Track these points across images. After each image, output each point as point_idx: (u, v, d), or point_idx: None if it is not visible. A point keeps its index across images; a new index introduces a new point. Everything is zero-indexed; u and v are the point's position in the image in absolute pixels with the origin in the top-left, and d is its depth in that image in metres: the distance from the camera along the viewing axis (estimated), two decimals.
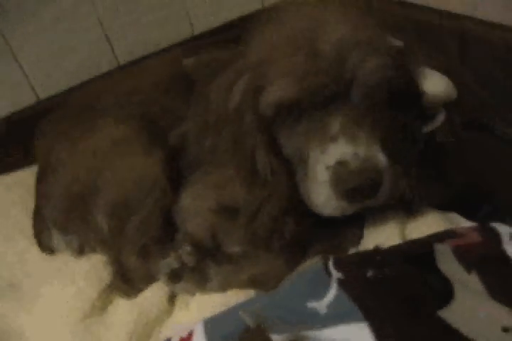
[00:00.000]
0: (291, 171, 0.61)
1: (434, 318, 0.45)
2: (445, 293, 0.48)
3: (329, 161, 0.55)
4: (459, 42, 0.97)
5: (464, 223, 0.65)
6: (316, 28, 0.57)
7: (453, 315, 0.46)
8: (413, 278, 0.48)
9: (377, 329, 0.45)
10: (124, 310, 0.67)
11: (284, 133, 0.60)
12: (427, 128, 0.97)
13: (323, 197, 0.57)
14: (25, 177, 0.93)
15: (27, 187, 0.89)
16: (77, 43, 1.01)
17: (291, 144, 0.60)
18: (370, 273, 0.47)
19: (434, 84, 1.00)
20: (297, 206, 0.60)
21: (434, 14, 0.99)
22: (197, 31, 1.15)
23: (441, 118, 1.00)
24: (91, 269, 0.74)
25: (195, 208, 0.69)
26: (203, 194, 0.69)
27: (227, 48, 0.78)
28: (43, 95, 1.02)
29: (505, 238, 0.58)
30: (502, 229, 0.59)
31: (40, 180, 0.84)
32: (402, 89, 0.60)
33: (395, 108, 0.60)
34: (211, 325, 0.52)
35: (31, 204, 0.85)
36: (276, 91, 0.56)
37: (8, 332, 0.70)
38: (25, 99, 1.00)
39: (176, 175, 0.73)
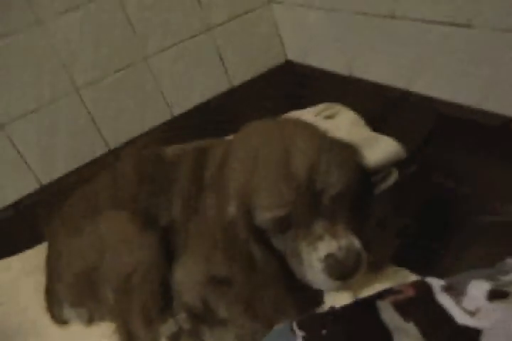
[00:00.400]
0: (282, 260, 0.77)
1: None
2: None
3: (320, 255, 0.71)
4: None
5: (411, 278, 0.80)
6: (287, 154, 0.72)
7: None
8: (357, 331, 0.62)
9: None
10: None
11: (276, 238, 0.75)
12: (380, 189, 1.14)
13: (321, 280, 0.73)
14: (33, 255, 1.08)
15: (36, 263, 1.03)
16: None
17: (283, 243, 0.75)
18: (324, 332, 0.61)
19: (385, 147, 1.18)
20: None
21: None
22: (176, 113, 1.31)
23: (394, 177, 1.18)
24: (101, 336, 0.87)
25: (187, 281, 0.83)
26: (193, 269, 0.83)
27: (202, 140, 0.95)
28: (44, 181, 1.17)
29: (437, 290, 0.73)
30: (434, 282, 0.73)
31: (49, 260, 0.97)
32: (361, 184, 0.76)
33: (356, 199, 0.76)
34: None
35: (41, 279, 0.98)
36: (267, 213, 0.72)
37: None
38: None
39: (169, 251, 0.87)
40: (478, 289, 0.71)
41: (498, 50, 0.89)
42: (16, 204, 1.14)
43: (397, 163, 1.15)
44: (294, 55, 1.40)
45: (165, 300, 0.86)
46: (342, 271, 0.71)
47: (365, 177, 0.81)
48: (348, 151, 0.78)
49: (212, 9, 1.26)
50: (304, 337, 0.62)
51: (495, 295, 0.69)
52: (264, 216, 0.72)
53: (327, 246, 0.71)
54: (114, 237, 0.88)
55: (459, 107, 1.03)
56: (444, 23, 0.96)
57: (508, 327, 0.63)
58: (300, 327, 0.63)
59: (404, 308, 0.68)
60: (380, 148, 1.15)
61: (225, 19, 1.29)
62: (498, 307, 0.67)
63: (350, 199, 0.75)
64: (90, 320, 0.92)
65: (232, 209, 0.74)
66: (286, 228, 0.73)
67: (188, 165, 0.92)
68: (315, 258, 0.72)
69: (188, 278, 0.84)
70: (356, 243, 0.73)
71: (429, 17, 0.98)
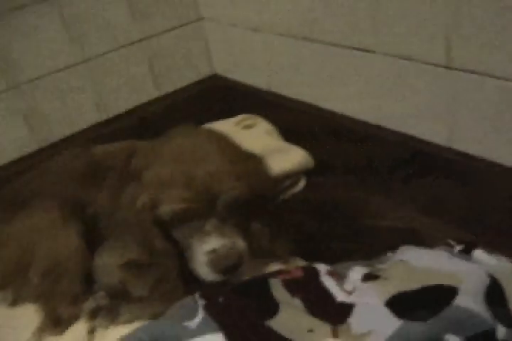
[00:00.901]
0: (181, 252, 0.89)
1: (263, 326, 0.72)
2: (273, 311, 0.75)
3: (205, 249, 0.84)
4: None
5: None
6: (196, 160, 0.85)
7: (276, 323, 0.73)
8: (249, 300, 0.75)
9: (228, 337, 0.71)
10: None
11: (175, 230, 0.88)
12: (288, 194, 1.28)
13: (204, 272, 0.86)
14: None
15: None
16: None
17: (180, 236, 0.88)
18: (220, 300, 0.74)
19: (295, 157, 1.32)
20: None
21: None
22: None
23: (302, 184, 1.32)
24: (24, 314, 0.96)
25: (107, 265, 0.94)
26: (112, 253, 0.94)
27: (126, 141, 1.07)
28: None
29: (322, 273, 0.86)
30: (321, 267, 0.87)
31: None
32: (261, 192, 0.89)
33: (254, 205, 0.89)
34: None
35: None
36: (168, 206, 0.84)
37: None
38: None
39: (96, 238, 0.97)
40: (356, 273, 0.86)
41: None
42: None
43: (306, 171, 1.30)
44: (221, 69, 1.53)
45: (87, 282, 0.96)
46: (222, 266, 0.84)
47: (267, 185, 0.93)
48: (252, 162, 0.92)
49: (148, 22, 1.37)
50: (204, 305, 0.74)
51: (368, 277, 0.84)
52: (165, 208, 0.84)
53: (212, 242, 0.84)
54: (41, 225, 0.96)
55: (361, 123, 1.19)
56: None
57: (372, 301, 0.77)
58: (201, 296, 0.75)
59: (292, 286, 0.81)
60: (289, 157, 1.29)
61: (159, 31, 1.40)
62: (368, 286, 0.81)
63: (245, 205, 0.87)
64: (13, 303, 1.00)
65: (141, 200, 0.85)
66: (181, 222, 0.85)
67: (117, 163, 1.02)
68: (201, 251, 0.84)
69: (107, 261, 0.94)
70: (240, 243, 0.86)
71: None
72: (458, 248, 0.87)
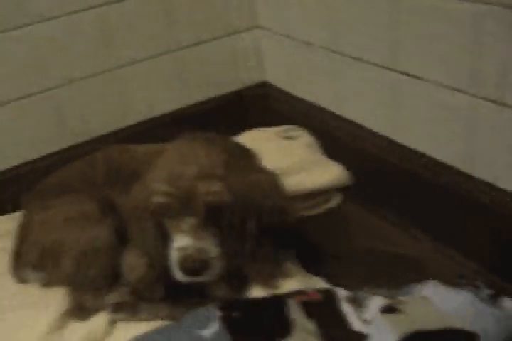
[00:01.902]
0: None
1: None
2: (286, 331, 0.77)
3: (176, 245, 0.86)
4: None
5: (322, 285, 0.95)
6: (190, 164, 0.87)
7: None
8: (264, 318, 0.77)
9: None
10: (76, 330, 0.95)
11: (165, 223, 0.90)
12: (320, 209, 1.27)
13: (174, 270, 0.87)
14: (5, 220, 1.25)
15: (6, 228, 1.19)
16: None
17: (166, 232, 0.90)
18: (235, 314, 0.76)
19: (332, 172, 1.32)
20: None
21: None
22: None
23: (337, 200, 1.31)
24: (55, 296, 1.01)
25: (133, 264, 0.98)
26: (138, 253, 0.97)
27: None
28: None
29: (341, 298, 0.87)
30: (341, 292, 0.88)
31: (21, 228, 1.10)
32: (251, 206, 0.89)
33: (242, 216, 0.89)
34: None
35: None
36: (154, 198, 0.86)
37: None
38: None
39: (124, 237, 1.01)
40: (376, 303, 0.86)
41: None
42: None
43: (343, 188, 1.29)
44: (271, 78, 1.53)
45: (114, 276, 1.00)
46: (188, 266, 0.84)
47: (273, 201, 0.92)
48: (258, 175, 0.94)
49: (204, 27, 1.40)
50: (220, 317, 0.76)
51: (388, 310, 0.83)
52: (152, 200, 0.86)
53: (183, 240, 0.85)
54: (78, 216, 1.01)
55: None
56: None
57: (388, 337, 0.77)
58: (218, 308, 0.77)
59: (309, 308, 0.82)
60: (326, 172, 1.29)
61: (216, 36, 1.43)
62: (387, 319, 0.81)
63: (226, 213, 0.87)
64: (47, 284, 1.05)
65: (136, 190, 0.90)
66: (162, 215, 0.88)
67: (149, 164, 1.06)
68: (173, 247, 0.86)
69: (133, 260, 0.98)
70: (211, 249, 0.86)
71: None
72: (486, 292, 0.85)
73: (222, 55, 1.45)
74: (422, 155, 1.13)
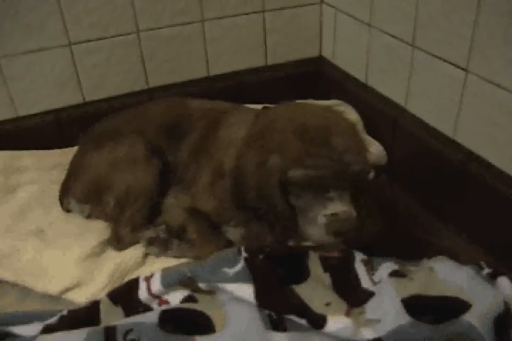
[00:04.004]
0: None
1: (289, 287, 0.82)
2: (303, 278, 0.86)
3: (327, 212, 0.90)
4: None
5: None
6: (328, 131, 0.90)
7: (301, 289, 0.84)
8: (286, 263, 0.87)
9: (256, 289, 0.83)
10: (111, 258, 1.05)
11: (293, 193, 0.92)
12: None
13: (318, 233, 0.92)
14: (49, 155, 1.35)
15: (50, 161, 1.31)
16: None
17: (299, 199, 0.92)
18: (261, 256, 0.85)
19: (372, 150, 1.38)
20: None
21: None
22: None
23: (371, 176, 1.38)
24: (95, 227, 1.12)
25: (173, 206, 1.08)
26: (180, 198, 1.08)
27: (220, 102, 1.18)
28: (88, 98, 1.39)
29: (357, 260, 0.94)
30: (358, 255, 0.95)
31: (73, 163, 1.20)
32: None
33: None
34: (166, 272, 0.89)
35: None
36: (302, 170, 0.88)
37: (32, 262, 1.05)
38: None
39: (167, 181, 1.10)
40: (386, 268, 0.93)
41: None
42: (57, 111, 1.36)
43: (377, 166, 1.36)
44: (327, 53, 1.59)
45: (152, 215, 1.10)
46: (338, 229, 0.90)
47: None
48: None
49: None
50: (245, 258, 0.86)
51: (396, 274, 0.91)
52: (299, 172, 0.88)
53: (335, 207, 0.90)
54: (126, 157, 1.10)
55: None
56: None
57: (391, 295, 0.85)
58: (245, 250, 0.86)
59: (327, 262, 0.91)
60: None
61: (278, 7, 1.49)
62: (393, 281, 0.88)
63: (365, 178, 0.94)
64: (89, 216, 1.16)
65: (272, 162, 0.90)
66: (307, 187, 0.90)
67: (204, 122, 1.13)
68: (321, 214, 0.90)
69: (175, 202, 1.08)
70: (354, 212, 0.92)
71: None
72: (487, 270, 0.91)
73: (285, 26, 1.52)
74: (470, 153, 1.15)
